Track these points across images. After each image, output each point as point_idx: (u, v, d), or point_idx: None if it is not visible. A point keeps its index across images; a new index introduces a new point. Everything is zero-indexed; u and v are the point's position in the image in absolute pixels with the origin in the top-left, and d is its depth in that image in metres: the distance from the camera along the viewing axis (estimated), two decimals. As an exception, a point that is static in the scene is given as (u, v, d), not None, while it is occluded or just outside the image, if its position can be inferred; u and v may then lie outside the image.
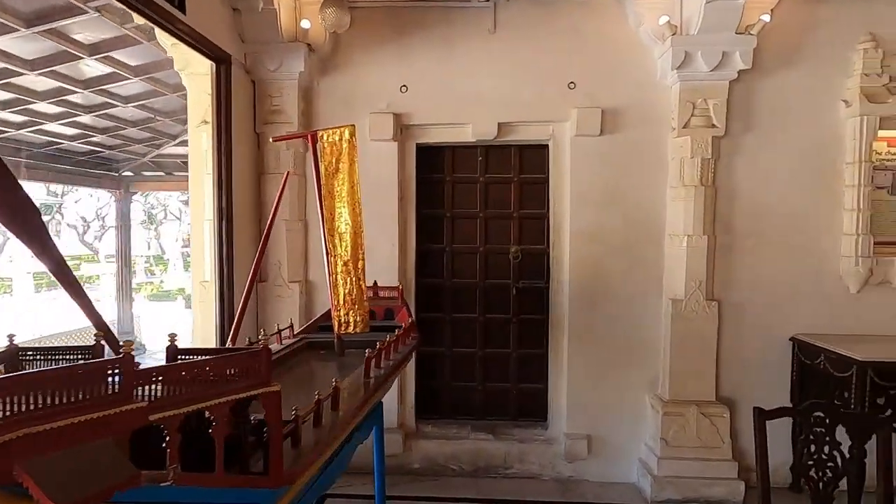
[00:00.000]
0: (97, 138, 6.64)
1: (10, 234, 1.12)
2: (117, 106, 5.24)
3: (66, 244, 18.85)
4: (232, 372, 1.14)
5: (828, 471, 2.07)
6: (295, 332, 2.80)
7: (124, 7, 2.60)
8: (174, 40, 3.01)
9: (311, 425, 1.50)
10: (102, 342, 1.24)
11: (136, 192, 9.69)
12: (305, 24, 3.47)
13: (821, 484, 2.08)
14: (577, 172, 3.68)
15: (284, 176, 2.72)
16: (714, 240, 3.52)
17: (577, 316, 3.71)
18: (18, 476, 0.80)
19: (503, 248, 3.94)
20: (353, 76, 3.75)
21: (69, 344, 1.53)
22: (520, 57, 3.66)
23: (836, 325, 3.50)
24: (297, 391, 1.97)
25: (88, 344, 1.26)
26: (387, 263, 3.73)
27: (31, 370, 1.26)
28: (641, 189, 3.64)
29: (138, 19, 2.81)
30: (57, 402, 0.85)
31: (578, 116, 3.60)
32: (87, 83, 4.62)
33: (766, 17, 3.27)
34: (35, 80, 4.40)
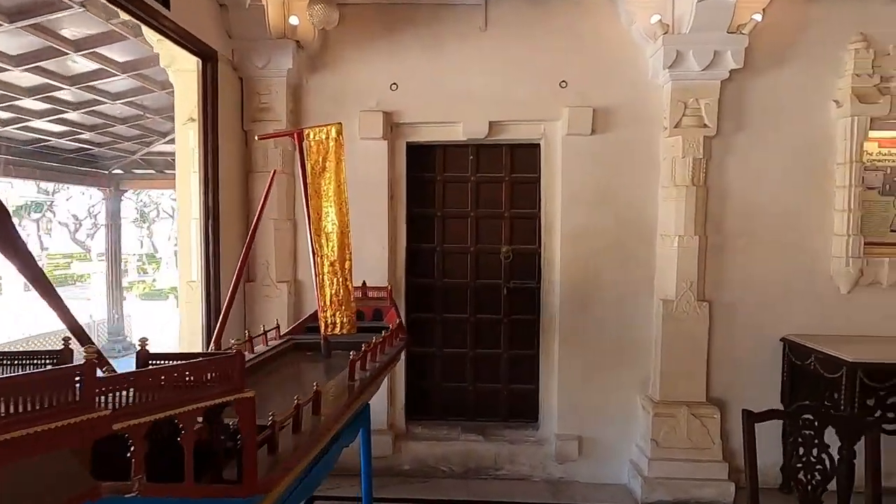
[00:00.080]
0: (85, 135, 6.55)
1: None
2: (105, 103, 5.16)
3: (58, 242, 18.72)
4: (203, 378, 1.11)
5: (816, 473, 2.07)
6: (281, 333, 2.76)
7: (107, 2, 2.55)
8: (160, 36, 2.96)
9: (291, 431, 1.47)
10: (71, 346, 1.20)
11: (126, 191, 9.60)
12: (294, 20, 3.42)
13: (809, 487, 2.07)
14: (569, 172, 3.65)
15: (271, 174, 2.67)
16: (705, 240, 3.50)
17: (568, 316, 3.69)
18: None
19: (494, 248, 3.91)
20: (343, 74, 3.71)
21: (48, 348, 1.48)
22: (511, 55, 3.63)
23: (826, 326, 3.50)
24: (281, 394, 1.93)
25: (56, 349, 1.21)
26: (377, 263, 3.69)
27: None
28: (633, 189, 3.62)
29: (124, 15, 2.77)
30: (11, 411, 0.81)
31: (570, 115, 3.58)
32: (74, 79, 4.54)
33: (758, 17, 3.25)
34: (20, 77, 4.32)
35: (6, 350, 1.35)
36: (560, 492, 3.60)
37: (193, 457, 1.13)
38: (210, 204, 3.27)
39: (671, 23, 3.35)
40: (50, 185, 15.14)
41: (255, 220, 2.49)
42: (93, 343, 1.42)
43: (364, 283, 3.09)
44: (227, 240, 3.38)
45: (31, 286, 1.22)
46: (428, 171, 3.92)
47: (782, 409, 3.40)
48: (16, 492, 0.77)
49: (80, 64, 4.18)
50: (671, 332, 3.50)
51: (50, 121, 5.72)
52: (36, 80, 4.42)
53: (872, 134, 3.42)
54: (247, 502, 1.19)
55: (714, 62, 3.31)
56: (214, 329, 3.14)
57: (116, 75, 4.39)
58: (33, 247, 18.31)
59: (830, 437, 2.06)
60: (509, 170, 3.88)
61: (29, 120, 5.63)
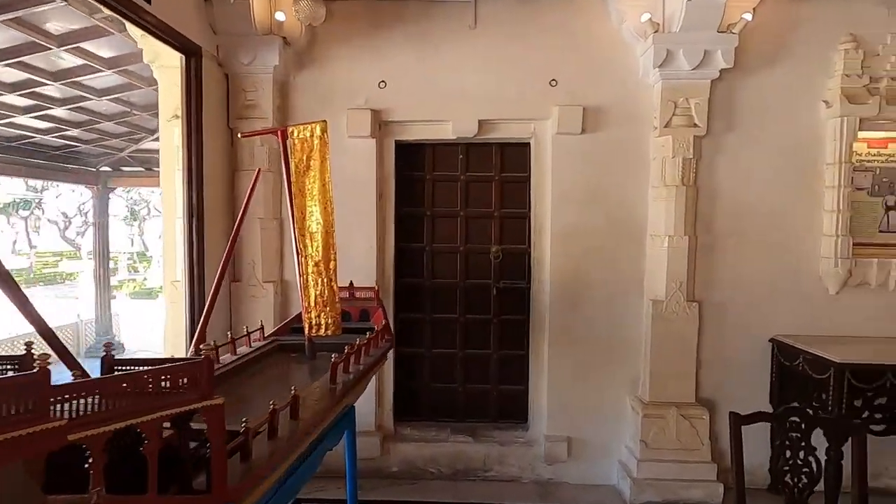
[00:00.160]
0: (72, 132, 6.45)
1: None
2: (91, 99, 5.08)
3: (47, 240, 18.51)
4: (169, 384, 1.07)
5: (803, 476, 2.06)
6: (266, 335, 2.72)
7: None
8: (143, 31, 2.90)
9: (266, 437, 1.43)
10: (33, 351, 1.15)
11: (114, 188, 9.47)
12: (280, 16, 3.37)
13: (796, 490, 2.06)
14: (559, 171, 3.63)
15: (255, 173, 2.63)
16: (695, 240, 3.49)
17: (558, 316, 3.67)
18: None
19: (484, 248, 3.88)
20: (331, 71, 3.66)
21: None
22: (500, 53, 3.59)
23: (815, 327, 3.49)
24: (263, 396, 1.89)
25: (17, 354, 1.17)
26: (365, 263, 3.65)
27: None
28: (623, 188, 3.60)
29: (106, 10, 2.71)
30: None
31: (560, 114, 3.55)
32: (58, 75, 4.46)
33: (748, 16, 3.24)
34: (2, 71, 4.24)
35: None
36: (549, 493, 3.58)
37: (164, 464, 1.09)
38: (194, 202, 3.22)
39: (661, 22, 3.33)
40: (38, 183, 14.96)
41: (238, 220, 2.45)
42: (66, 349, 1.37)
43: (351, 283, 3.05)
44: (212, 239, 3.33)
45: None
46: (417, 170, 3.88)
47: (770, 410, 3.40)
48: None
49: (64, 59, 4.11)
50: (661, 333, 3.49)
51: (35, 117, 5.62)
52: (19, 75, 4.34)
53: (862, 134, 3.42)
54: (216, 512, 1.15)
55: (704, 62, 3.29)
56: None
57: (102, 71, 4.31)
58: (22, 244, 18.11)
59: (818, 438, 2.05)
60: (499, 169, 3.85)
61: (13, 116, 5.53)
